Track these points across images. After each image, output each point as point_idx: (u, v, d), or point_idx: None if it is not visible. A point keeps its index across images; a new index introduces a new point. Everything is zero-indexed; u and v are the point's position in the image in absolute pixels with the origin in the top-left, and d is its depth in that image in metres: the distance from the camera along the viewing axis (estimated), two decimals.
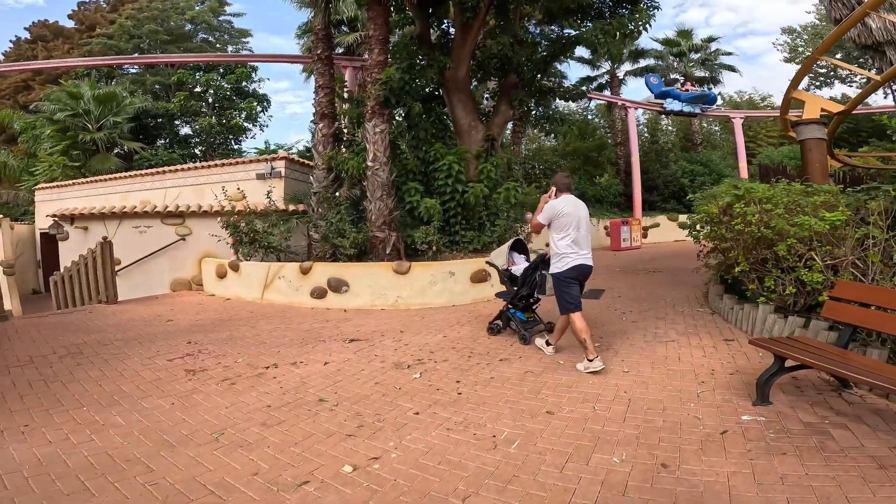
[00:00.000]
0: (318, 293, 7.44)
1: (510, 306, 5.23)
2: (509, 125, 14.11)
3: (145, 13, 23.91)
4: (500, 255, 5.33)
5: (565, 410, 3.34)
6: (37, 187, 13.27)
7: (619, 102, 19.60)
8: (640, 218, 16.70)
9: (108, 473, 2.59)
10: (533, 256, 5.42)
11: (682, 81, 20.79)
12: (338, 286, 7.32)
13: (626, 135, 18.91)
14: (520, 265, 5.26)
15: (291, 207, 10.17)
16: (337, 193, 9.40)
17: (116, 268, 9.03)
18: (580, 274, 4.24)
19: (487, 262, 5.66)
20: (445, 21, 9.94)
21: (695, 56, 21.96)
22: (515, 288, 5.12)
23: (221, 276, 8.77)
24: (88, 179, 12.72)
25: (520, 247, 5.53)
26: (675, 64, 22.28)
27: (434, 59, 8.63)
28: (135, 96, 16.28)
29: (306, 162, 11.80)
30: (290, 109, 61.90)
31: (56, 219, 10.73)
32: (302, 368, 4.46)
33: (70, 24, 28.94)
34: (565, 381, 3.93)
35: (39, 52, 26.51)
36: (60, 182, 13.06)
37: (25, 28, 30.14)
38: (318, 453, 2.82)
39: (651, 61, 22.01)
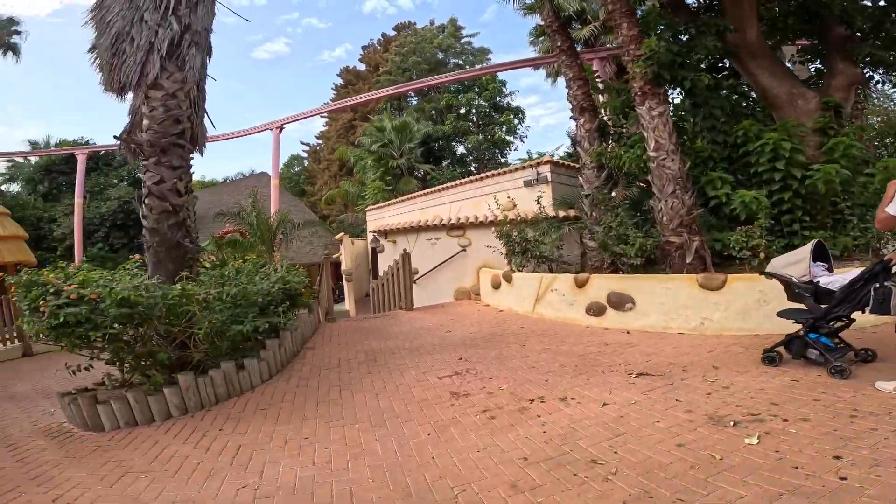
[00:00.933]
0: (596, 310, 6.40)
1: (810, 330, 3.97)
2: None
3: (406, 48, 28.35)
4: (793, 263, 4.16)
5: None
6: (367, 209, 16.79)
7: None
8: None
9: None
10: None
11: None
12: (620, 302, 6.11)
13: None
14: (827, 277, 4.01)
15: (562, 213, 9.48)
16: (613, 194, 8.20)
17: (414, 277, 10.21)
18: None
19: (767, 274, 4.37)
20: None
21: None
22: (824, 306, 3.88)
23: (496, 286, 8.77)
24: (396, 200, 15.28)
25: (822, 253, 4.18)
26: None
27: (706, 24, 7.06)
28: (420, 123, 19.13)
29: (572, 164, 11.13)
30: (543, 122, 63.50)
31: (375, 234, 13.11)
32: (573, 408, 3.54)
33: (362, 66, 35.69)
34: None
35: (351, 94, 31.52)
36: (380, 203, 16.14)
37: (338, 75, 37.97)
38: None
39: None
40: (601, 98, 9.64)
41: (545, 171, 10.40)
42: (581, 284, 6.64)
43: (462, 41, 31.02)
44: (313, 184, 36.36)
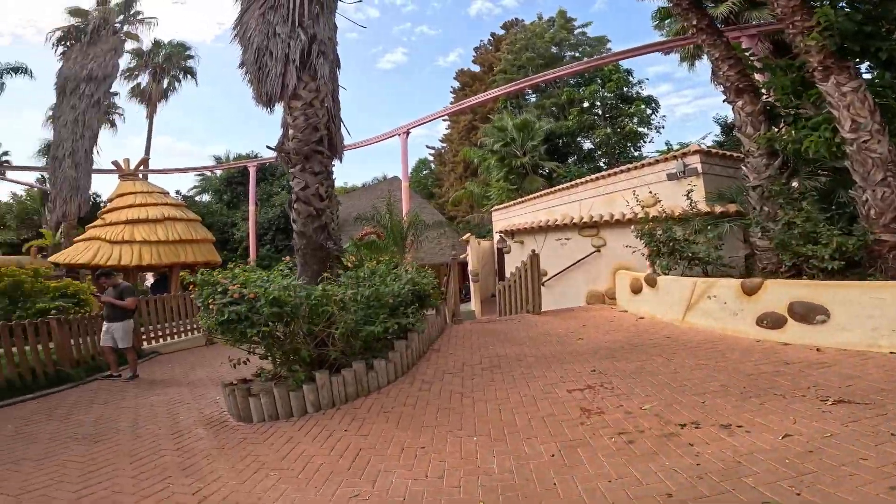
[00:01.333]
0: (771, 321, 5.29)
1: None
2: None
3: (517, 45, 27.33)
4: None
5: None
6: (492, 209, 16.71)
7: None
8: None
9: None
10: None
11: None
12: (807, 314, 4.96)
13: None
14: None
15: (718, 209, 8.18)
16: (794, 184, 6.82)
17: (543, 279, 9.75)
18: None
19: None
20: None
21: None
22: None
23: (636, 290, 7.89)
24: (521, 199, 14.90)
25: None
26: None
27: None
28: (541, 120, 18.46)
29: (728, 153, 9.62)
30: (679, 111, 56.41)
31: (501, 234, 12.91)
32: (739, 437, 2.86)
33: (476, 68, 35.13)
34: None
35: (469, 96, 31.07)
36: (505, 203, 15.92)
37: (454, 78, 38.23)
38: None
39: None
40: (758, 78, 8.18)
41: (694, 161, 9.14)
42: (751, 291, 5.56)
43: (576, 32, 29.42)
44: (440, 186, 37.49)
